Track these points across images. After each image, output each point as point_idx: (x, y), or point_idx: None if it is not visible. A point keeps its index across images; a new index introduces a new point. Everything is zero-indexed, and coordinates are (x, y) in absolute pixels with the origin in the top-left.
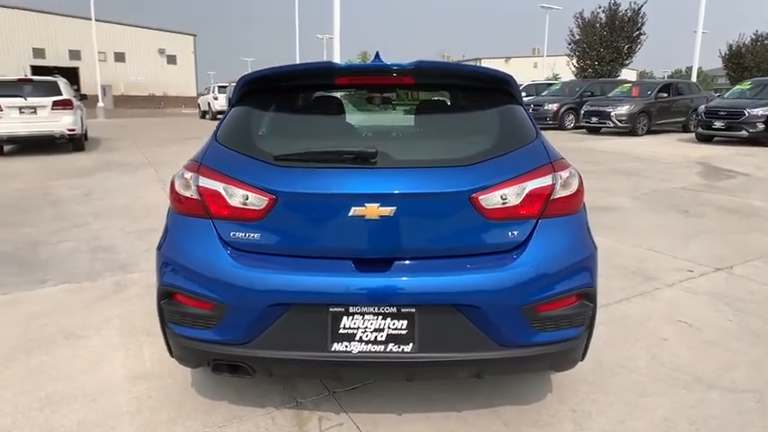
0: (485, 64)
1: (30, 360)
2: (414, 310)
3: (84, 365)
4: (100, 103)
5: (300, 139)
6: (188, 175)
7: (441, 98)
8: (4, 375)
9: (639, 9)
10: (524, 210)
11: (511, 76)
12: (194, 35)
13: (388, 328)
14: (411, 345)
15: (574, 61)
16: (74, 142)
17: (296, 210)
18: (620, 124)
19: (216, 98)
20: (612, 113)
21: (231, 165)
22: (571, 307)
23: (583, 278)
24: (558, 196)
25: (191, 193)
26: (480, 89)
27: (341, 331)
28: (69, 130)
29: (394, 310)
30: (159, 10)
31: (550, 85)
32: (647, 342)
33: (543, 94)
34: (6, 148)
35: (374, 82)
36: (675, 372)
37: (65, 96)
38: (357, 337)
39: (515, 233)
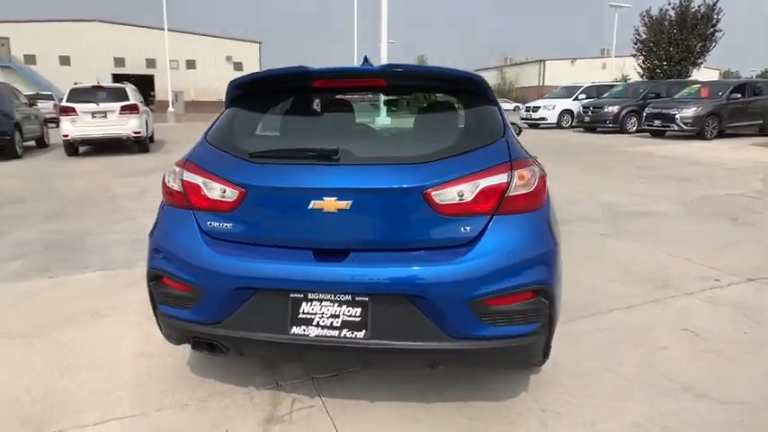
0: (549, 65)
1: (60, 335)
2: (367, 298)
3: (103, 342)
4: (170, 109)
5: (276, 138)
6: (176, 170)
7: (410, 99)
8: (37, 347)
9: (714, 5)
10: (477, 206)
11: (480, 77)
12: (259, 43)
13: (343, 314)
14: (364, 331)
15: (639, 61)
16: (139, 144)
17: (263, 202)
18: (685, 127)
19: None
20: (677, 116)
21: (212, 161)
22: (525, 303)
23: (537, 274)
24: (515, 194)
25: (177, 186)
26: (450, 90)
27: (300, 316)
28: (135, 132)
29: (349, 298)
30: (228, 20)
31: (612, 86)
32: (643, 349)
33: (605, 95)
34: (81, 149)
35: (348, 85)
36: (664, 379)
37: (132, 102)
38: (314, 322)
39: (468, 228)
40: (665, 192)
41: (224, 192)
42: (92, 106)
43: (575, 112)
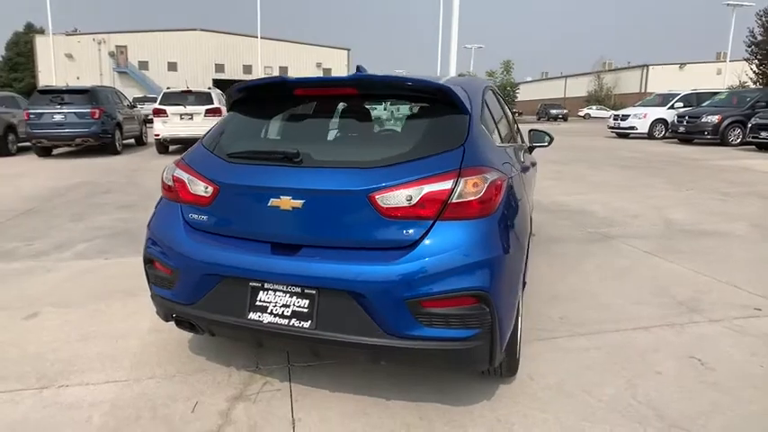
0: (653, 71)
1: (95, 308)
2: (315, 292)
3: (126, 317)
4: None
5: (255, 141)
6: (171, 167)
7: (379, 107)
8: (72, 316)
9: None
10: (420, 211)
11: (449, 88)
12: (348, 49)
13: (293, 305)
14: (310, 322)
15: (753, 66)
16: None
17: (231, 198)
18: None
19: None
20: None
21: (199, 161)
22: (464, 308)
23: (477, 281)
24: (459, 200)
25: (169, 181)
26: (418, 99)
27: (257, 303)
28: None
29: (299, 290)
30: (319, 27)
31: (715, 93)
32: (634, 373)
33: (705, 104)
34: (171, 147)
35: (323, 93)
36: (642, 405)
37: (215, 105)
38: (268, 310)
39: (410, 232)
40: (744, 211)
41: (205, 188)
42: (180, 108)
43: (669, 122)
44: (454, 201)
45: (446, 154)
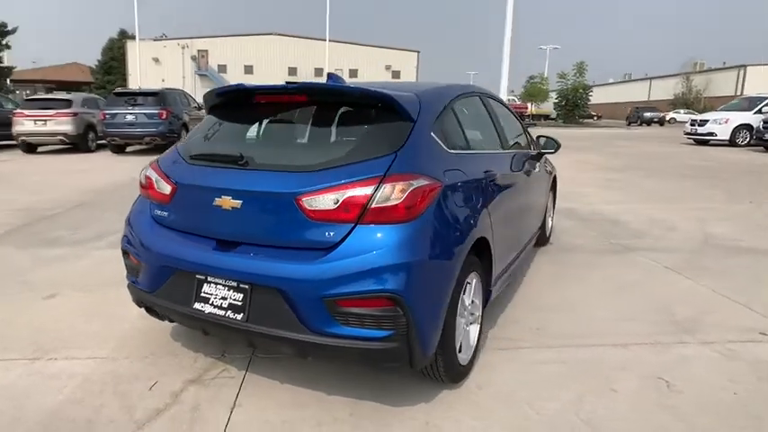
0: (752, 72)
1: (106, 293)
2: (248, 286)
3: (125, 302)
4: None
5: (211, 144)
6: (146, 167)
7: (326, 113)
8: (84, 300)
9: None
10: (342, 214)
11: (389, 96)
12: (418, 51)
13: (230, 298)
14: (242, 315)
15: None
16: None
17: (185, 196)
18: None
19: None
20: None
21: (168, 162)
22: (378, 309)
23: (392, 283)
24: (379, 205)
25: (143, 180)
26: (363, 106)
27: (201, 294)
28: None
29: (235, 284)
30: (389, 30)
31: None
32: (588, 389)
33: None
34: None
35: (278, 100)
36: (581, 423)
37: None
38: (210, 301)
39: (332, 234)
40: None
41: (167, 187)
42: None
43: (754, 128)
44: (374, 205)
45: (375, 160)
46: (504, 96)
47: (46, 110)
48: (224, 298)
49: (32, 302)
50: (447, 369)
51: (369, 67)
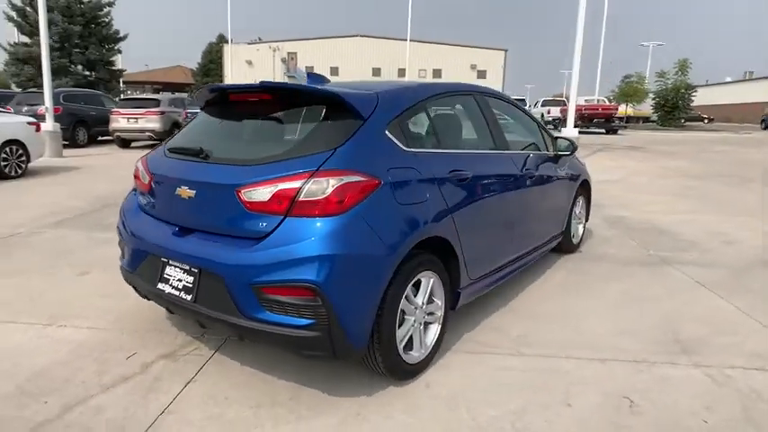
0: None
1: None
2: (198, 270)
3: None
4: None
5: (185, 138)
6: (138, 160)
7: (284, 111)
8: (108, 278)
9: None
10: (274, 206)
11: (337, 94)
12: (505, 50)
13: (184, 280)
14: (191, 296)
15: None
16: None
17: (157, 186)
18: None
19: None
20: None
21: (153, 155)
22: (299, 298)
23: (312, 274)
24: (306, 199)
25: (135, 171)
26: (318, 104)
27: (164, 275)
28: None
29: (188, 267)
30: (476, 28)
31: None
32: (540, 400)
33: None
34: None
35: (246, 98)
36: (511, 431)
37: None
38: (169, 282)
39: (264, 224)
40: None
41: (147, 177)
42: None
43: None
44: (301, 199)
45: (312, 156)
46: (574, 95)
47: (137, 109)
48: (179, 280)
49: (67, 278)
50: (388, 365)
51: (453, 67)
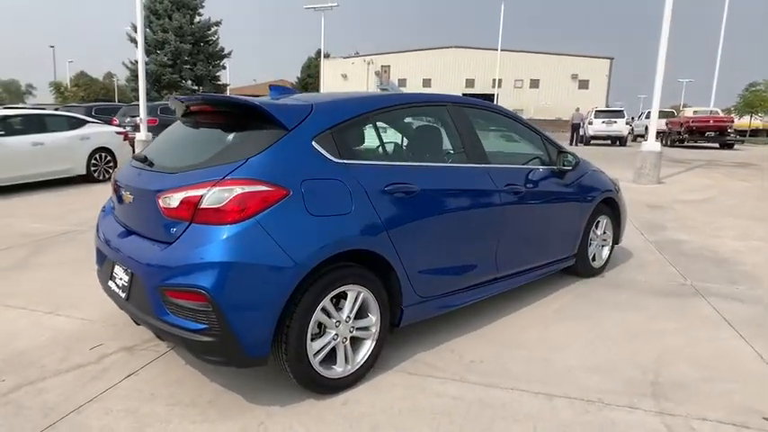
0: None
1: None
2: (131, 271)
3: None
4: None
5: (150, 147)
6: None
7: (218, 122)
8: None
9: None
10: (181, 213)
11: (261, 107)
12: (611, 58)
13: (123, 279)
14: (125, 294)
15: None
16: None
17: (115, 191)
18: None
19: (591, 123)
20: None
21: (125, 164)
22: (193, 302)
23: (203, 281)
24: (206, 207)
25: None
26: (247, 116)
27: (113, 274)
28: None
29: (125, 267)
30: (581, 39)
31: None
32: (451, 430)
33: None
34: None
35: (197, 110)
36: None
37: None
38: (115, 281)
39: (174, 230)
40: None
41: (113, 182)
42: None
43: None
44: (203, 206)
45: (222, 166)
46: (656, 107)
47: None
48: (121, 279)
49: (88, 273)
50: (298, 377)
51: (551, 77)
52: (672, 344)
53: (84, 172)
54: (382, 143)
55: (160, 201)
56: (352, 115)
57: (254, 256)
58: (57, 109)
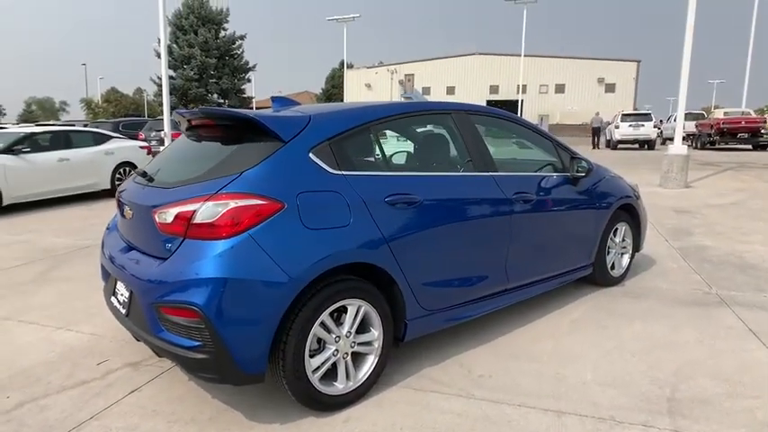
0: None
1: None
2: (131, 287)
3: None
4: None
5: (152, 162)
6: None
7: (217, 135)
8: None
9: None
10: (175, 228)
11: (256, 119)
12: (638, 61)
13: (124, 295)
14: (126, 310)
15: None
16: None
17: (119, 206)
18: None
19: (617, 127)
20: None
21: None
22: (187, 319)
23: (197, 297)
24: (199, 222)
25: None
26: (244, 128)
27: (115, 290)
28: None
29: (126, 283)
30: (602, 39)
31: None
32: None
33: None
34: None
35: (197, 124)
36: None
37: None
38: (117, 297)
39: (169, 245)
40: None
41: (116, 197)
42: None
43: None
44: (196, 221)
45: (217, 180)
46: (682, 108)
47: None
48: (122, 294)
49: (97, 287)
50: (298, 395)
51: (577, 82)
52: (693, 356)
53: (108, 186)
54: (383, 153)
55: (156, 216)
56: (351, 126)
57: (248, 272)
58: (86, 125)
